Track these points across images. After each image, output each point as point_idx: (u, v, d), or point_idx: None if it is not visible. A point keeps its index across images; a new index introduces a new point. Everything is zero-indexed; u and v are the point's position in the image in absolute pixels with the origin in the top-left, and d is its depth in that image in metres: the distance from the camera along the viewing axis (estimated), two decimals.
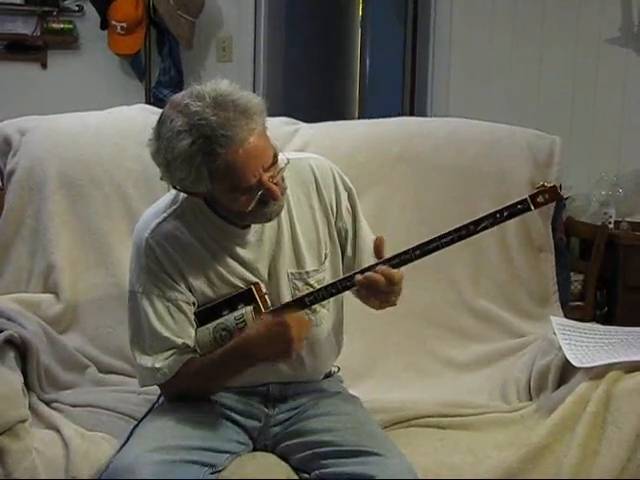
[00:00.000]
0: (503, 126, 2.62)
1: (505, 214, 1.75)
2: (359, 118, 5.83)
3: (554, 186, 1.74)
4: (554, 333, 2.14)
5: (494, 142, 2.55)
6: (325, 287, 1.80)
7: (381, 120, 2.66)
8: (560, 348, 2.05)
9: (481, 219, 1.75)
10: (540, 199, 1.74)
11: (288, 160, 1.79)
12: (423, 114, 4.52)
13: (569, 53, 4.37)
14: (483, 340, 2.42)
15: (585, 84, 4.39)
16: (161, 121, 1.72)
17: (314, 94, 5.72)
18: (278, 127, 2.52)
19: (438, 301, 2.43)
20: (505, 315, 2.44)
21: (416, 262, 2.30)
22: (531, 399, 2.12)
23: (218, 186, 1.72)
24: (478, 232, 1.75)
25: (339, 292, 1.81)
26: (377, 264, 1.77)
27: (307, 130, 2.57)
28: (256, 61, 4.50)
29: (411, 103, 5.13)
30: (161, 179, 1.78)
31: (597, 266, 3.79)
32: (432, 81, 4.53)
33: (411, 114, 4.89)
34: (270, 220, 1.82)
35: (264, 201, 1.74)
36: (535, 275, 2.48)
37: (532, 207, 1.73)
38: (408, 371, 2.37)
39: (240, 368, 1.83)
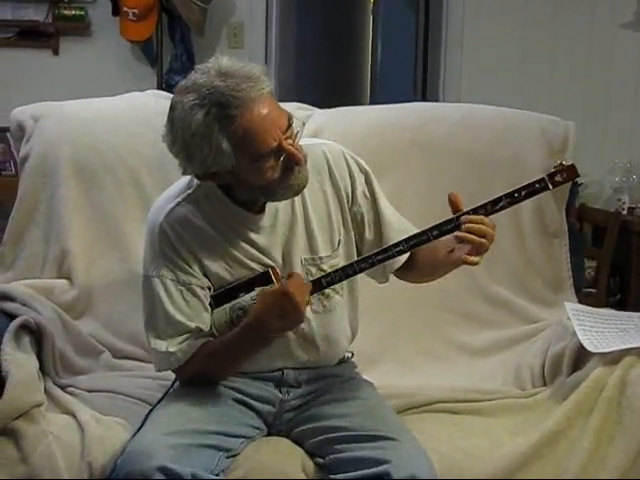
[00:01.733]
0: (517, 111, 2.61)
1: (523, 193, 1.74)
2: (371, 104, 5.81)
3: (572, 165, 1.73)
4: (568, 318, 2.14)
5: (508, 127, 2.53)
6: (342, 268, 1.81)
7: (394, 106, 2.65)
8: (574, 333, 2.05)
9: (499, 198, 1.74)
10: (558, 178, 1.73)
11: (304, 123, 1.80)
12: (435, 100, 4.51)
13: (583, 38, 4.34)
14: (497, 326, 2.41)
15: (599, 69, 4.36)
16: (172, 108, 1.74)
17: (326, 80, 5.70)
18: (291, 113, 2.51)
19: (452, 287, 2.41)
20: (519, 301, 2.43)
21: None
22: (545, 385, 2.11)
23: (240, 158, 1.72)
24: (496, 212, 1.75)
25: (356, 273, 1.82)
26: (390, 246, 1.78)
27: (320, 116, 2.56)
28: (268, 47, 4.48)
29: (423, 89, 5.11)
30: (183, 174, 1.79)
31: (610, 253, 3.77)
32: (444, 67, 4.50)
33: (423, 100, 4.87)
34: (297, 193, 1.81)
35: (289, 167, 1.74)
36: (549, 261, 2.47)
37: (550, 186, 1.73)
38: (421, 357, 2.37)
39: (253, 346, 1.83)
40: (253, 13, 4.44)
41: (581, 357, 2.04)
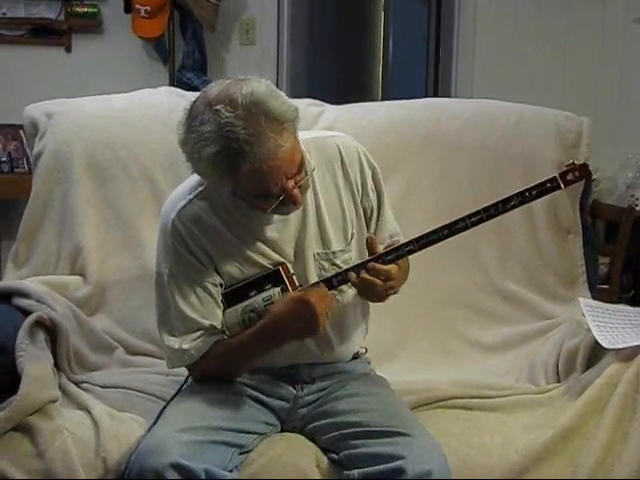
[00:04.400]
0: (530, 107, 2.59)
1: (534, 193, 1.74)
2: (382, 100, 5.81)
3: (584, 164, 1.73)
4: (582, 315, 2.13)
5: (521, 123, 2.52)
6: (352, 267, 1.81)
7: (407, 101, 2.64)
8: (589, 329, 2.04)
9: (510, 198, 1.74)
10: (570, 177, 1.73)
11: (314, 168, 1.80)
12: (447, 96, 4.49)
13: (596, 32, 4.32)
14: (511, 322, 2.40)
15: (612, 64, 4.34)
16: (192, 115, 1.71)
17: (337, 77, 5.70)
18: (304, 109, 2.47)
19: (465, 283, 2.42)
20: (533, 297, 2.42)
21: (443, 244, 2.32)
22: (559, 381, 2.10)
23: (240, 188, 1.74)
24: (507, 211, 1.75)
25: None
26: (401, 246, 1.79)
27: (333, 112, 2.56)
28: (279, 44, 4.48)
29: (435, 85, 5.10)
30: (186, 162, 1.79)
31: (623, 249, 3.75)
32: (456, 62, 4.49)
33: (435, 96, 4.86)
34: (288, 214, 1.83)
35: (284, 204, 1.75)
36: (563, 257, 2.46)
37: (562, 185, 1.72)
38: (435, 353, 2.36)
39: (267, 349, 1.84)
40: (265, 9, 4.44)
41: (595, 353, 2.03)
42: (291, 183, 1.72)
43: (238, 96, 1.65)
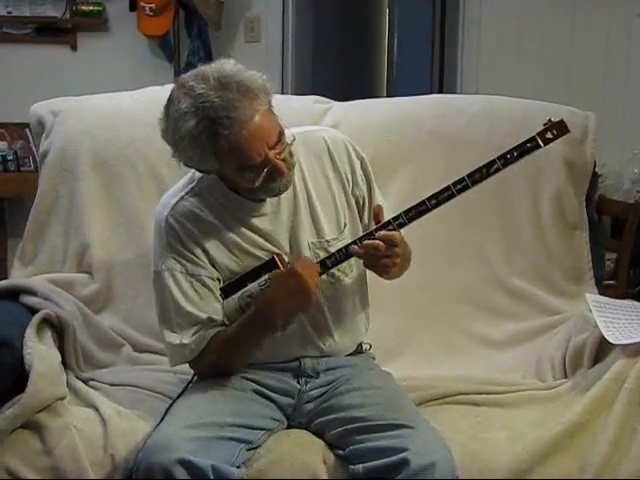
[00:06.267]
0: (536, 102, 2.58)
1: (515, 154, 1.78)
2: (388, 97, 5.80)
3: (561, 120, 1.76)
4: (590, 310, 2.12)
5: (527, 119, 2.50)
6: (345, 247, 1.84)
7: (413, 98, 2.64)
8: (596, 325, 2.03)
9: (492, 162, 1.77)
10: (549, 135, 1.76)
11: (294, 137, 1.82)
12: (452, 92, 4.49)
13: (601, 27, 4.30)
14: (517, 318, 2.40)
15: (618, 60, 4.32)
16: (169, 101, 1.77)
17: (342, 74, 5.70)
18: (310, 106, 2.52)
19: (472, 280, 2.42)
20: (539, 293, 2.42)
21: (448, 241, 2.33)
22: (566, 377, 2.10)
23: (225, 164, 1.77)
24: (491, 175, 1.77)
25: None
26: (390, 220, 1.81)
27: (339, 109, 2.56)
28: (284, 41, 4.48)
29: (440, 82, 5.09)
30: (172, 156, 1.82)
31: (630, 245, 3.75)
32: (461, 59, 4.48)
33: (440, 93, 4.85)
34: (278, 194, 1.85)
35: (272, 177, 1.77)
36: (569, 253, 2.45)
37: (541, 144, 1.74)
38: (441, 349, 2.36)
39: (263, 330, 1.84)
40: (270, 7, 4.44)
41: (602, 349, 2.03)
42: (273, 153, 1.74)
43: (208, 72, 1.73)
